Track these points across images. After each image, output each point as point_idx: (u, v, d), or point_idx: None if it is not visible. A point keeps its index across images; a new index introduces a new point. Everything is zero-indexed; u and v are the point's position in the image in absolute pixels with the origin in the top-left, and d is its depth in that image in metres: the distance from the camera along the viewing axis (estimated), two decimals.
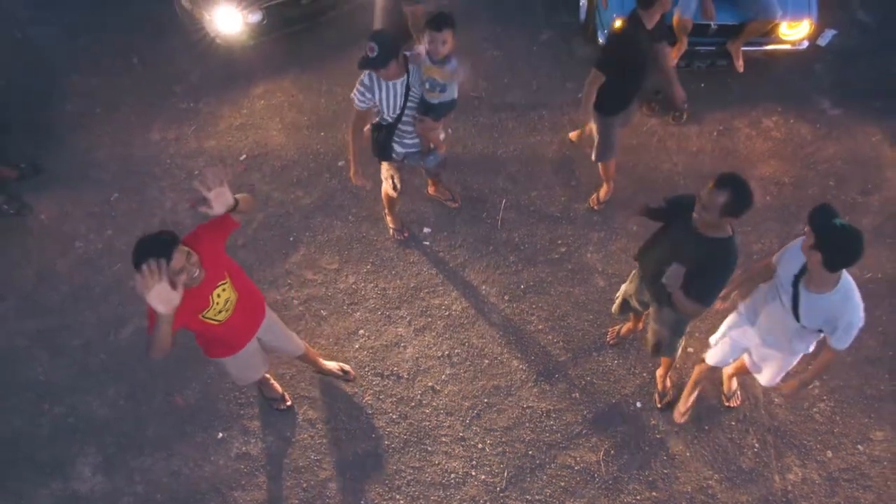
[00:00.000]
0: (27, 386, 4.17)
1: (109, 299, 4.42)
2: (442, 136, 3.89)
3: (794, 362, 3.33)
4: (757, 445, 3.93)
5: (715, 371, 3.82)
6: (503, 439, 3.97)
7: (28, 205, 4.71)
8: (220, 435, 4.00)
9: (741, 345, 3.42)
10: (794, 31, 4.69)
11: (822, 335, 2.97)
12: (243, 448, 3.96)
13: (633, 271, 3.57)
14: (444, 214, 4.65)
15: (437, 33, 3.40)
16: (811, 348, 3.23)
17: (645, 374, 4.12)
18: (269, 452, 3.94)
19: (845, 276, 2.80)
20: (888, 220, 4.59)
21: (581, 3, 5.29)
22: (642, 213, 3.20)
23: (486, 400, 4.07)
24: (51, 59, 5.34)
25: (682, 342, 3.67)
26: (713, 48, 4.81)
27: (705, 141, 4.93)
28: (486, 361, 4.18)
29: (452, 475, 3.89)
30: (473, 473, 3.88)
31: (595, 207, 4.61)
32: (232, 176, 4.78)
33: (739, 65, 4.79)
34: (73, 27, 5.43)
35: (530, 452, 3.92)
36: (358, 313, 4.33)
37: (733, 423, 3.99)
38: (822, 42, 5.32)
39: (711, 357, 3.62)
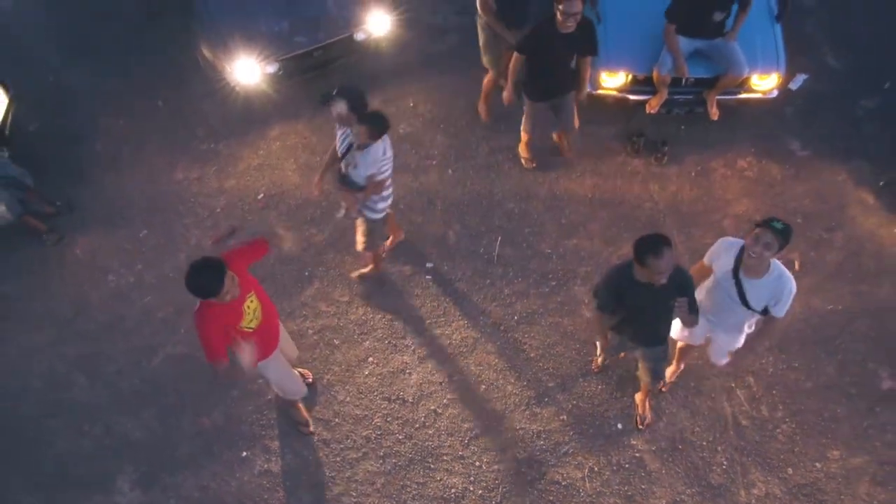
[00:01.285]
0: (68, 409, 4.62)
1: (141, 329, 4.87)
2: (355, 203, 4.24)
3: (742, 341, 3.88)
4: (725, 463, 4.39)
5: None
6: (498, 458, 4.42)
7: (65, 236, 5.15)
8: (244, 454, 4.46)
9: (696, 334, 3.93)
10: (763, 82, 5.13)
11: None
12: (265, 466, 4.42)
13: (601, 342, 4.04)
14: (445, 250, 5.09)
15: (356, 125, 3.88)
16: (753, 327, 3.81)
17: (625, 399, 4.57)
18: (288, 470, 4.39)
19: (778, 264, 3.42)
20: (849, 256, 5.04)
21: None
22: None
23: (482, 422, 4.52)
24: (81, 101, 5.76)
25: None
26: (691, 97, 5.26)
27: (684, 181, 5.37)
28: (483, 387, 4.64)
29: (453, 490, 4.34)
30: (471, 489, 4.34)
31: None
32: (251, 213, 5.24)
33: (713, 112, 5.23)
34: (102, 72, 5.84)
35: (522, 469, 4.37)
36: (367, 342, 4.78)
37: (704, 444, 4.44)
38: (793, 86, 5.75)
39: (677, 335, 4.05)
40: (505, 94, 4.79)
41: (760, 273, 3.38)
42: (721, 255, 3.53)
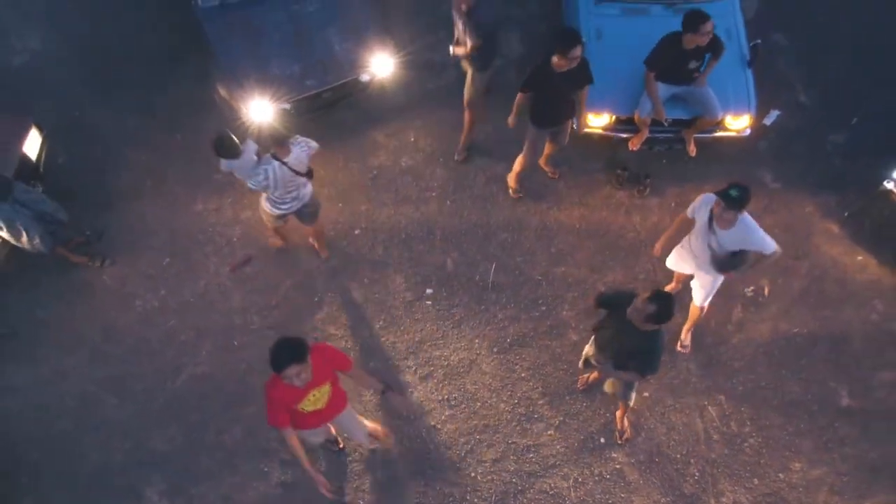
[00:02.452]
0: (100, 426, 5.07)
1: (165, 351, 5.32)
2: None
3: (719, 284, 4.66)
4: (697, 474, 4.85)
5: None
6: (492, 469, 4.88)
7: (105, 256, 5.60)
8: (262, 467, 4.91)
9: (682, 268, 4.78)
10: (736, 122, 5.57)
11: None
12: (282, 478, 4.87)
13: (592, 337, 4.46)
14: (444, 277, 5.54)
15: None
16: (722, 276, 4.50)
17: (608, 415, 5.03)
18: (302, 481, 4.84)
19: (745, 218, 4.09)
20: (813, 282, 5.50)
21: None
22: (595, 305, 4.12)
23: (477, 436, 4.98)
24: (106, 136, 6.18)
25: (635, 392, 4.58)
26: (670, 135, 5.70)
27: (664, 212, 5.82)
28: (479, 404, 5.09)
29: (450, 499, 4.80)
30: (468, 497, 4.79)
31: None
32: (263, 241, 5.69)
33: (691, 149, 5.68)
34: (125, 108, 6.25)
35: (513, 480, 4.83)
36: (372, 363, 5.23)
37: (678, 456, 4.90)
38: (767, 122, 6.18)
39: (669, 264, 4.90)
40: (510, 119, 5.24)
41: (729, 225, 4.13)
42: (701, 208, 4.27)
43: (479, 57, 5.25)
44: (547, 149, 5.52)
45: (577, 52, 4.58)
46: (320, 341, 4.12)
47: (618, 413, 4.91)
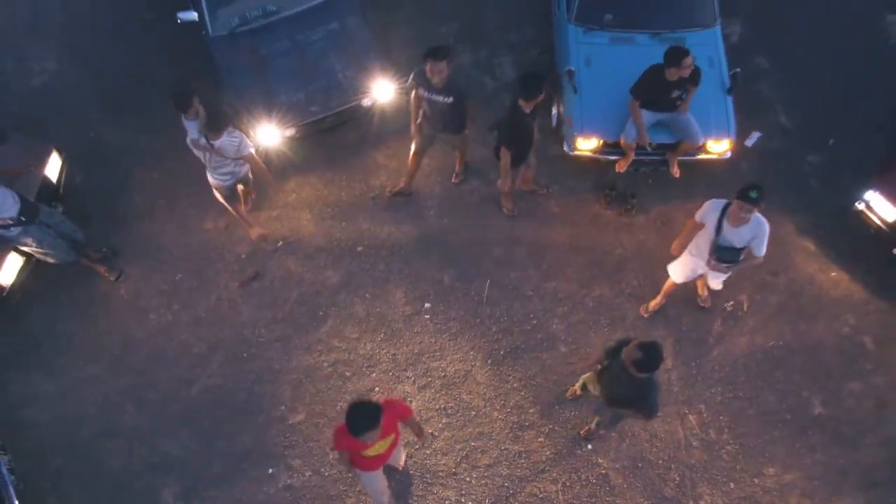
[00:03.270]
0: (120, 432, 5.41)
1: (179, 362, 5.65)
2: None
3: (725, 276, 5.10)
4: (678, 479, 5.18)
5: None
6: (486, 474, 5.22)
7: (124, 270, 5.94)
8: (270, 471, 5.25)
9: (696, 272, 5.12)
10: (717, 146, 5.89)
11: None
12: (288, 481, 5.21)
13: (593, 372, 4.74)
14: (441, 292, 5.87)
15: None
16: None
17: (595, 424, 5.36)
18: (307, 485, 5.18)
19: (757, 215, 4.53)
20: (790, 297, 5.82)
21: (553, 113, 6.48)
22: (603, 357, 4.48)
23: (472, 443, 5.31)
24: (120, 156, 6.51)
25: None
26: (656, 158, 6.02)
27: (650, 230, 6.14)
28: (473, 413, 5.42)
29: (447, 502, 5.13)
30: (463, 501, 5.13)
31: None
32: (271, 258, 6.02)
33: (675, 171, 6.01)
34: (138, 129, 6.59)
35: (506, 484, 5.17)
36: (374, 374, 5.56)
37: (660, 462, 5.24)
38: (748, 143, 6.52)
39: (675, 277, 5.28)
40: (502, 183, 5.58)
41: (745, 223, 4.57)
42: (710, 213, 4.70)
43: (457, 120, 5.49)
44: (524, 174, 5.83)
45: (543, 94, 4.96)
46: (388, 397, 4.44)
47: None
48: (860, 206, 5.76)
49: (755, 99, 6.67)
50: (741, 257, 4.75)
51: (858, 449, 5.29)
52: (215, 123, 5.07)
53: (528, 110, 5.04)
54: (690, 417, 5.38)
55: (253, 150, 5.28)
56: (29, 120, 6.58)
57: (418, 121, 5.60)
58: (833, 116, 6.63)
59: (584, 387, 4.96)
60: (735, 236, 4.64)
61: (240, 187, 5.71)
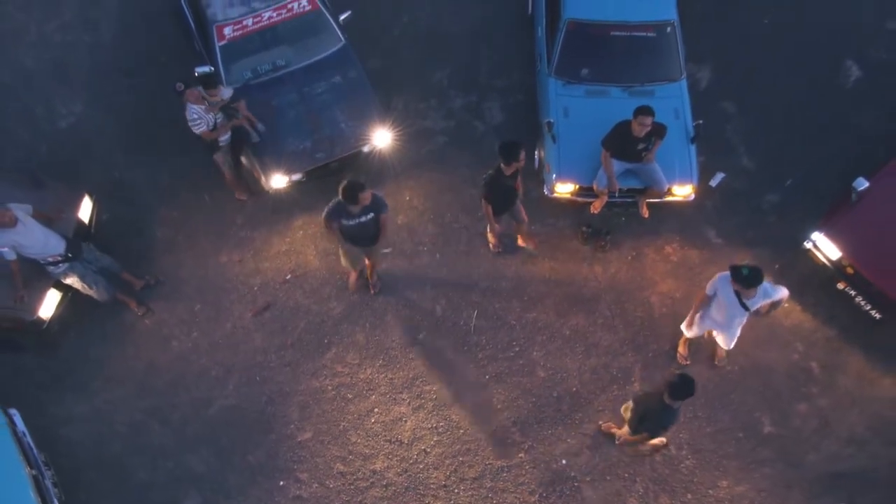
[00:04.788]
0: (145, 448, 6.07)
1: (198, 385, 6.31)
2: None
3: (738, 330, 5.69)
4: (641, 490, 5.86)
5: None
6: (472, 486, 5.89)
7: (152, 308, 6.57)
8: (281, 483, 5.92)
9: (707, 328, 5.77)
10: (681, 191, 6.55)
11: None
12: (297, 492, 5.87)
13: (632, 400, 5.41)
14: (434, 322, 6.53)
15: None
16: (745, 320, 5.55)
17: (569, 441, 6.03)
18: (315, 496, 5.86)
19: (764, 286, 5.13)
20: (746, 326, 6.37)
21: (535, 157, 7.12)
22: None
23: (460, 458, 5.98)
24: (142, 195, 7.15)
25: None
26: (627, 200, 6.68)
27: (622, 264, 6.80)
28: (462, 431, 6.09)
29: None
30: None
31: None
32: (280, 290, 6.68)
33: (644, 212, 6.66)
34: (159, 170, 7.23)
35: (489, 496, 5.85)
36: (373, 396, 6.22)
37: (626, 475, 5.91)
38: (713, 183, 7.16)
39: (690, 333, 5.89)
40: (490, 235, 6.27)
41: (753, 295, 5.18)
42: (721, 286, 5.30)
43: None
44: (515, 229, 6.48)
45: (522, 158, 5.60)
46: None
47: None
48: (808, 245, 6.43)
49: (720, 141, 7.33)
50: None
51: (803, 464, 5.96)
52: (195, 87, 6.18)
53: (508, 173, 5.68)
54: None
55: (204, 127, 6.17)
56: (58, 161, 7.22)
57: (345, 245, 5.97)
58: (791, 158, 7.28)
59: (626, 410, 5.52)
60: (751, 302, 5.26)
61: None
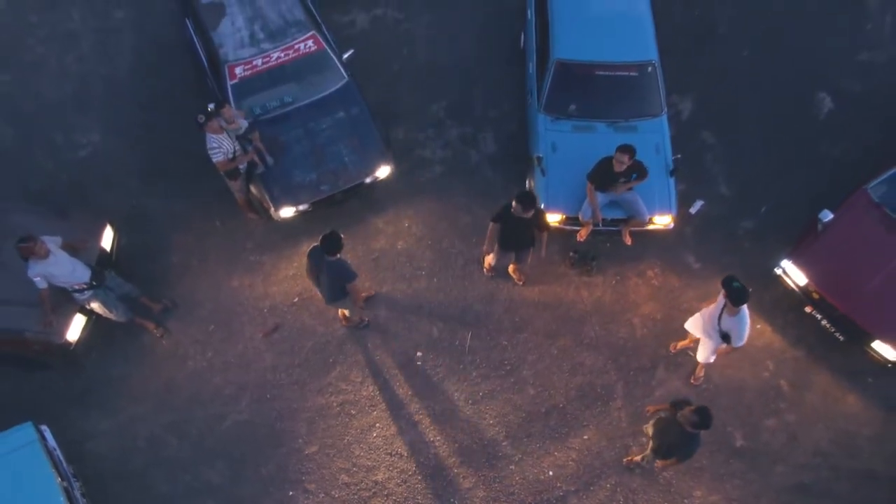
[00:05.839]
0: (165, 461, 6.57)
1: (213, 401, 6.80)
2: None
3: (715, 347, 6.08)
4: (622, 499, 6.37)
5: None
6: (466, 496, 6.40)
7: (169, 330, 7.05)
8: (290, 493, 6.42)
9: (696, 332, 6.29)
10: (661, 220, 7.04)
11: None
12: (305, 502, 6.39)
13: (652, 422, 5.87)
14: (431, 343, 7.02)
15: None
16: (721, 343, 5.98)
17: (556, 453, 6.53)
18: None
19: (744, 311, 5.51)
20: None
21: (527, 185, 7.58)
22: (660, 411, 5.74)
23: (455, 470, 6.49)
24: (157, 221, 7.63)
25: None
26: (611, 228, 7.17)
27: (607, 288, 7.30)
28: (456, 445, 6.59)
29: None
30: None
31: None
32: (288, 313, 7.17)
33: (627, 240, 7.15)
34: (172, 197, 7.71)
35: None
36: (375, 412, 6.72)
37: (608, 486, 6.41)
38: (693, 210, 7.66)
39: (689, 327, 6.41)
40: (485, 249, 6.66)
41: (734, 314, 5.63)
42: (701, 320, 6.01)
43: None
44: (513, 265, 6.94)
45: (531, 211, 5.97)
46: None
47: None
48: (779, 271, 6.92)
49: (700, 170, 7.82)
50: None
51: (771, 475, 6.46)
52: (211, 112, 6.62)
53: (516, 213, 5.98)
54: (634, 449, 6.55)
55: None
56: (78, 190, 7.70)
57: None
58: (767, 186, 7.77)
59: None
60: (726, 323, 5.74)
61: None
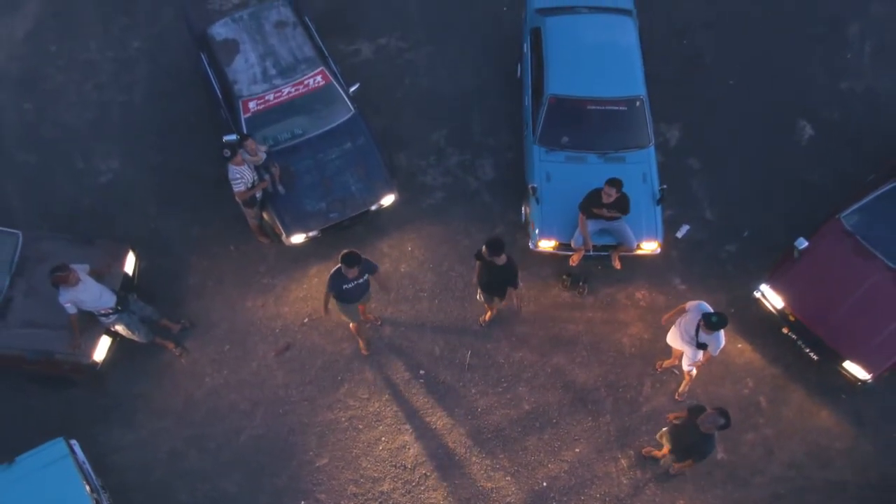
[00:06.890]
0: (185, 473, 7.05)
1: (230, 416, 7.28)
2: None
3: (695, 355, 6.48)
4: None
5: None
6: None
7: (188, 349, 7.51)
8: (302, 503, 6.90)
9: (677, 345, 6.65)
10: (648, 246, 7.50)
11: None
12: None
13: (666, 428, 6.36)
14: (433, 361, 7.50)
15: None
16: (700, 355, 6.44)
17: (549, 465, 7.02)
18: None
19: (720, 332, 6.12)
20: (705, 364, 7.44)
21: (522, 211, 8.06)
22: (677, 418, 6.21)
23: (456, 482, 6.97)
24: (175, 245, 8.09)
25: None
26: (602, 253, 7.64)
27: (597, 308, 7.77)
28: (457, 457, 7.08)
29: None
30: None
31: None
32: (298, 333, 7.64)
33: (616, 264, 7.61)
34: (189, 222, 8.16)
35: None
36: (381, 427, 7.20)
37: (598, 495, 6.90)
38: (679, 234, 8.13)
39: (669, 340, 6.77)
40: (475, 280, 7.08)
41: (710, 334, 6.16)
42: (693, 312, 6.24)
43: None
44: (497, 303, 7.22)
45: (502, 257, 6.27)
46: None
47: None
48: (758, 294, 7.40)
49: (686, 195, 8.28)
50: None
51: (750, 486, 6.95)
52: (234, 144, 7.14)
53: (487, 258, 6.30)
54: (622, 461, 7.04)
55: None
56: (100, 215, 8.16)
57: (342, 305, 6.78)
58: (749, 211, 8.23)
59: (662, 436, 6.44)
60: (702, 337, 6.24)
61: None
